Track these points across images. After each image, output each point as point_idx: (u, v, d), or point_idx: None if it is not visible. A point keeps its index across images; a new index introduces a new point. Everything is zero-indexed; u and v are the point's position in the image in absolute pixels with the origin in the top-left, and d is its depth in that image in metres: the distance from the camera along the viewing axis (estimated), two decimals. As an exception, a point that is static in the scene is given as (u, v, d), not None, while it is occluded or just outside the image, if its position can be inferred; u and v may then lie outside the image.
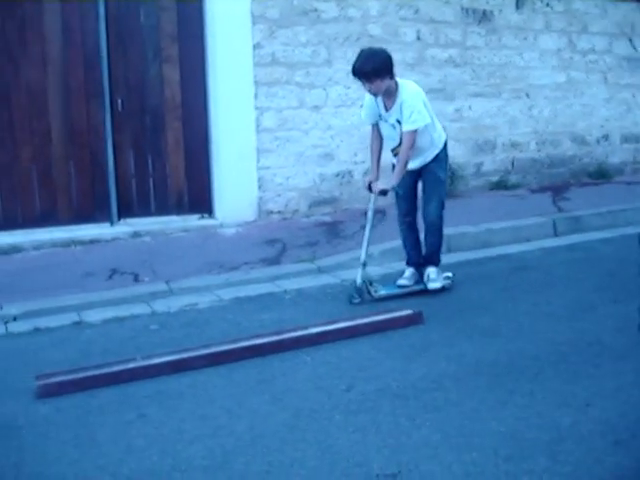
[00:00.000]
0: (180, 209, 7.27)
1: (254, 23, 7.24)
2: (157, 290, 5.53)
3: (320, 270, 6.01)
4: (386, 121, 5.13)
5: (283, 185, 7.55)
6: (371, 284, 5.24)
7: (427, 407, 3.62)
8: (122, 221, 7.05)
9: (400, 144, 5.08)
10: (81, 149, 6.93)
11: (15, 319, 5.10)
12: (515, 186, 8.79)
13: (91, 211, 7.01)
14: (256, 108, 7.35)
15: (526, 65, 8.86)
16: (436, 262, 5.44)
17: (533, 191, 8.70)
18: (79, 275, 5.86)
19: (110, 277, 5.85)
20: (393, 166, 5.27)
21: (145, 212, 7.13)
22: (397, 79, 5.05)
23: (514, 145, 8.90)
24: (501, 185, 8.75)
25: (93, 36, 6.83)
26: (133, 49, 7.03)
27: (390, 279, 5.62)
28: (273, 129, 7.45)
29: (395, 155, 5.22)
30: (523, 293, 5.37)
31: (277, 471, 3.10)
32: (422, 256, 5.48)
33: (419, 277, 5.45)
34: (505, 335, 4.53)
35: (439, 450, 3.21)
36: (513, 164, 8.92)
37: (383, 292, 5.26)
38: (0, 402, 3.85)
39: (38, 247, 6.59)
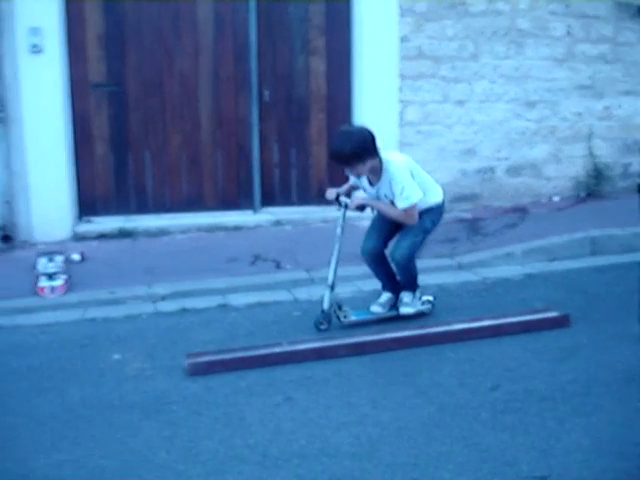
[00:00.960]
0: (320, 200, 7.30)
1: (402, 16, 7.21)
2: (298, 278, 5.62)
3: (460, 267, 5.93)
4: (385, 196, 4.61)
5: (420, 180, 7.49)
6: (340, 308, 4.71)
7: (577, 412, 3.51)
8: (264, 209, 7.20)
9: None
10: (228, 137, 7.12)
11: (163, 299, 5.30)
12: (666, 189, 8.38)
13: (235, 198, 7.20)
14: (400, 101, 7.32)
15: (683, 63, 8.42)
16: (412, 289, 4.84)
17: (685, 195, 8.27)
18: (223, 260, 6.03)
19: (253, 263, 5.98)
20: None
21: (286, 201, 7.25)
22: (381, 154, 4.50)
23: (666, 146, 8.48)
24: (650, 187, 8.35)
25: (244, 28, 7.00)
26: (281, 41, 7.15)
27: (475, 288, 5.47)
28: (416, 123, 7.41)
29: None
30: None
31: (424, 464, 3.09)
32: (397, 282, 4.90)
33: (395, 301, 4.89)
34: (660, 343, 4.34)
35: (590, 456, 3.11)
36: (664, 166, 8.51)
37: (353, 318, 4.71)
38: (152, 378, 4.02)
39: (184, 231, 6.83)
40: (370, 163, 4.42)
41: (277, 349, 4.15)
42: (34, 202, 6.64)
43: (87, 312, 5.11)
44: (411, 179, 4.50)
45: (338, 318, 4.66)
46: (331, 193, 4.77)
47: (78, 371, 4.13)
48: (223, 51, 7.04)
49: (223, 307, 5.13)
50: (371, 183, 4.62)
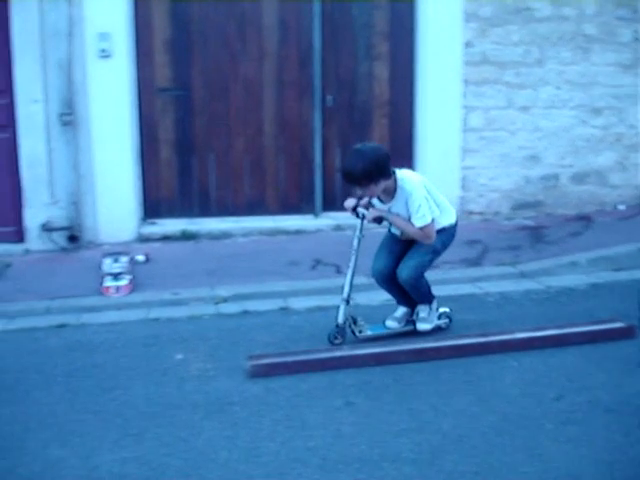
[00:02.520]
0: (381, 205, 7.33)
1: (466, 21, 7.17)
2: (358, 283, 5.54)
3: (523, 275, 5.85)
4: (398, 214, 4.46)
5: (486, 186, 7.43)
6: (355, 323, 4.53)
7: (643, 425, 3.45)
8: (325, 214, 7.22)
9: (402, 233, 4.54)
10: (291, 142, 7.18)
11: (225, 301, 5.36)
12: None
13: (297, 202, 7.25)
14: (463, 107, 7.28)
15: None
16: (427, 301, 4.66)
17: None
18: (284, 263, 6.07)
19: (314, 267, 6.01)
20: None
21: (346, 206, 7.25)
22: (396, 174, 4.36)
23: None
24: None
25: (308, 33, 7.05)
26: (345, 46, 7.17)
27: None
28: (479, 129, 7.35)
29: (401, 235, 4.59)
30: None
31: (486, 473, 3.06)
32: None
33: (411, 315, 4.72)
34: None
35: (657, 470, 3.05)
36: None
37: (369, 332, 4.56)
38: (214, 379, 4.07)
39: (246, 234, 6.90)
40: (383, 184, 4.29)
41: (338, 353, 4.17)
42: (100, 204, 6.80)
43: (151, 312, 5.20)
44: (427, 197, 4.37)
45: (353, 333, 4.50)
46: (349, 202, 4.58)
47: (142, 370, 4.20)
48: (287, 56, 7.10)
49: (284, 310, 5.16)
50: (382, 201, 4.48)
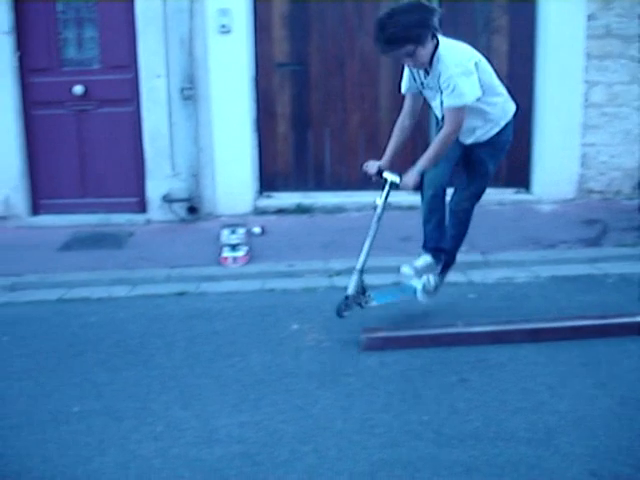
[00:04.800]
0: (497, 182, 7.16)
1: (590, -7, 6.93)
2: (473, 260, 5.56)
3: (645, 256, 5.66)
4: (431, 88, 3.92)
5: (607, 164, 7.18)
6: (364, 293, 4.25)
7: None
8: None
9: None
10: (406, 117, 7.13)
11: (338, 274, 5.42)
12: None
13: (411, 178, 7.21)
14: (585, 82, 7.04)
15: None
16: (450, 260, 4.38)
17: None
18: (398, 238, 6.07)
19: (426, 244, 5.98)
20: None
21: (462, 183, 7.17)
22: (438, 37, 3.82)
23: None
24: None
25: (426, 6, 6.97)
26: (463, 19, 7.05)
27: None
28: (601, 104, 7.09)
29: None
30: None
31: (602, 457, 3.02)
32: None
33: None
34: None
35: None
36: None
37: (374, 303, 4.31)
38: (329, 350, 4.15)
39: (360, 209, 6.93)
40: (428, 48, 3.75)
41: (452, 330, 4.16)
42: (219, 176, 6.98)
43: (267, 283, 5.33)
44: (469, 71, 3.78)
45: (360, 304, 4.28)
46: (372, 166, 4.22)
47: (259, 338, 4.33)
48: (404, 30, 7.04)
49: (398, 284, 5.17)
50: (427, 72, 3.89)
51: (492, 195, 7.06)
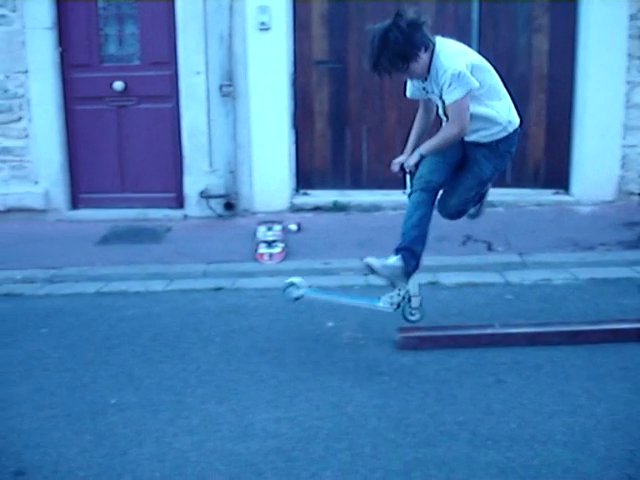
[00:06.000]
0: (535, 183, 7.17)
1: (633, -7, 6.83)
2: (510, 261, 5.53)
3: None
4: (432, 92, 3.88)
5: (648, 166, 7.10)
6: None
7: None
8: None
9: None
10: (444, 116, 7.10)
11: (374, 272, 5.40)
12: None
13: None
14: (627, 82, 6.93)
15: None
16: (407, 257, 3.99)
17: None
18: (434, 238, 5.93)
19: (464, 243, 5.97)
20: None
21: (501, 183, 7.03)
22: (434, 40, 3.75)
23: None
24: None
25: (466, 5, 6.93)
26: (504, 18, 7.00)
27: None
28: (643, 105, 7.01)
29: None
30: None
31: (640, 460, 2.98)
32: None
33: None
34: None
35: None
36: None
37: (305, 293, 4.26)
38: (364, 348, 4.15)
39: (396, 207, 6.87)
40: (423, 59, 3.71)
41: (489, 331, 4.13)
42: (256, 173, 7.01)
43: (305, 280, 5.31)
44: (463, 67, 3.70)
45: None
46: (396, 165, 4.10)
47: (294, 335, 4.34)
48: (444, 28, 6.92)
49: (433, 285, 5.15)
50: (425, 77, 3.85)
51: (530, 196, 7.05)
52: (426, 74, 3.80)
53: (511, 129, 3.98)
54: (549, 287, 5.06)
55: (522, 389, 3.59)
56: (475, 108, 3.80)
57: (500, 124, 3.94)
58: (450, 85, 3.68)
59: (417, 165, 3.98)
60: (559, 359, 3.90)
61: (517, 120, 4.03)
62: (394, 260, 3.98)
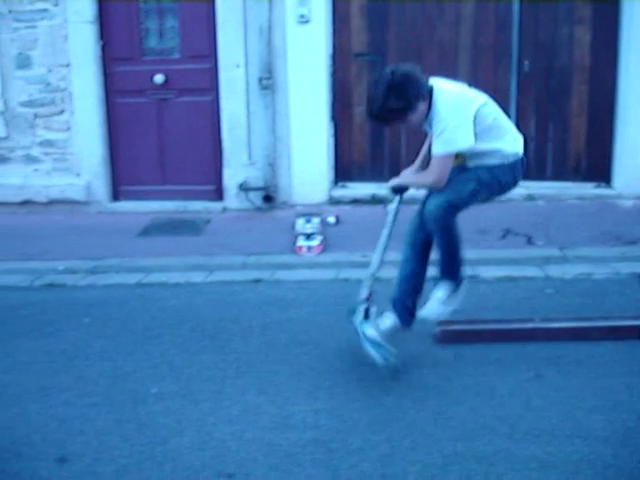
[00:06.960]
0: (576, 176, 7.09)
1: (680, -18, 6.70)
2: (550, 255, 5.49)
3: None
4: (430, 130, 3.76)
5: (694, 161, 6.97)
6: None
7: None
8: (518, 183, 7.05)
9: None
10: (484, 108, 7.05)
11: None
12: None
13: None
14: (671, 75, 6.83)
15: None
16: (448, 276, 3.92)
17: None
18: (474, 231, 6.00)
19: (503, 237, 5.93)
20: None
21: (541, 176, 7.03)
22: (432, 85, 3.67)
23: None
24: None
25: (507, -4, 6.89)
26: (545, 10, 6.92)
27: None
28: (688, 99, 6.88)
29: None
30: None
31: (684, 459, 2.94)
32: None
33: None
34: None
35: None
36: None
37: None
38: (403, 341, 4.10)
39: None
40: (422, 108, 3.62)
41: (529, 325, 4.10)
42: (295, 166, 7.03)
43: (341, 272, 5.34)
44: (463, 119, 3.58)
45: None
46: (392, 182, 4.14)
47: (333, 327, 4.35)
48: (484, 20, 6.96)
49: (472, 278, 5.07)
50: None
51: (571, 189, 6.98)
52: (425, 117, 3.69)
53: (512, 160, 3.82)
54: (590, 281, 5.01)
55: (562, 384, 3.56)
56: (481, 145, 3.68)
57: (506, 157, 3.78)
58: (442, 134, 3.59)
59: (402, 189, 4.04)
60: (600, 354, 3.86)
61: (520, 149, 3.86)
62: (389, 320, 3.98)
